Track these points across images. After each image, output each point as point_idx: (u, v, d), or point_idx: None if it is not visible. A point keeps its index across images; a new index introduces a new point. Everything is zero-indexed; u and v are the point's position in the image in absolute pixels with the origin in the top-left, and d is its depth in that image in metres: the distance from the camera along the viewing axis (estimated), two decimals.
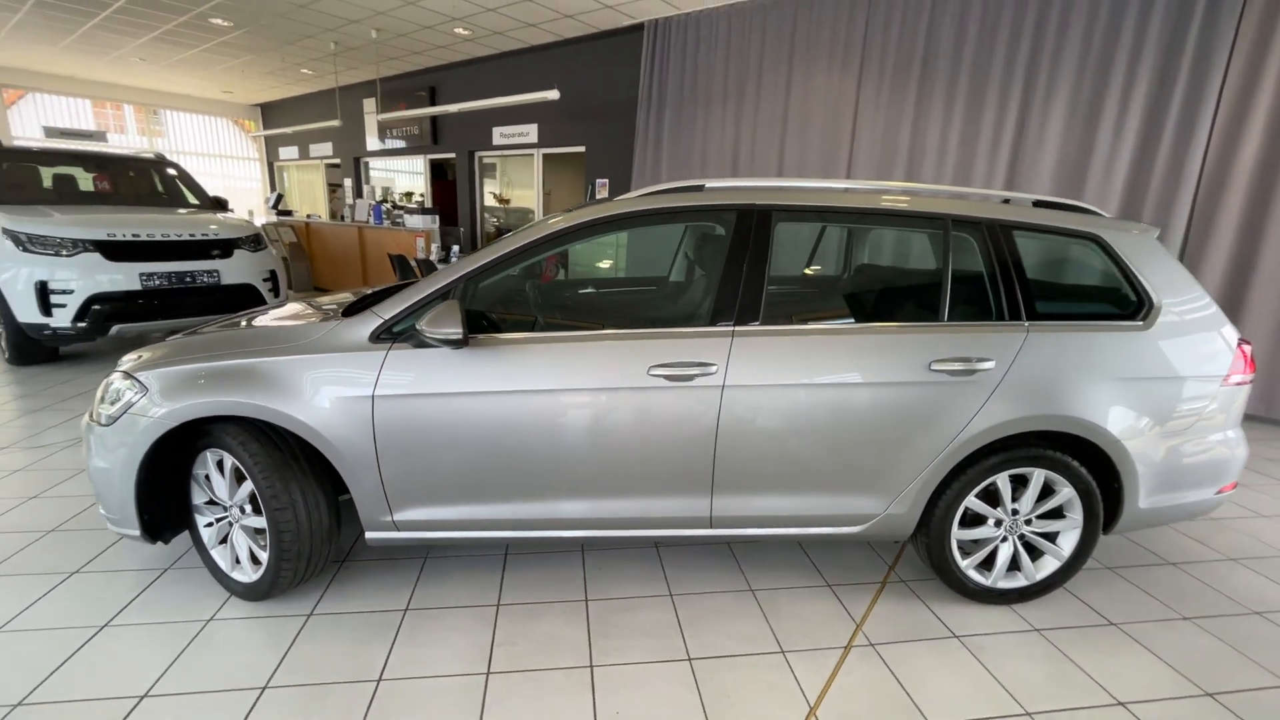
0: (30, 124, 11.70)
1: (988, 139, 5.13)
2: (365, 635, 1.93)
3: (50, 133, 11.37)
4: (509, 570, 2.31)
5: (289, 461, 1.92)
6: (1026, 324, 2.05)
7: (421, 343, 1.90)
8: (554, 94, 5.90)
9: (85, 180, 5.86)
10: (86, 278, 4.49)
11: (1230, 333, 2.12)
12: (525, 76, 8.31)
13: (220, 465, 2.01)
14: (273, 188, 14.51)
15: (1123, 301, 2.14)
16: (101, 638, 1.87)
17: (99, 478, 1.98)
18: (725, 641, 1.97)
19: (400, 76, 10.10)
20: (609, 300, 2.96)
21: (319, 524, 1.97)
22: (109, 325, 4.60)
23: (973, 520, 2.17)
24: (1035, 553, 2.20)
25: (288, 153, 13.46)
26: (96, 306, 4.52)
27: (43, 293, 4.38)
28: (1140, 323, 2.08)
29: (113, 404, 1.97)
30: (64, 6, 7.25)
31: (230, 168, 14.67)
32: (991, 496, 2.12)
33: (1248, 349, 2.16)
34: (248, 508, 2.01)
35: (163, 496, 2.06)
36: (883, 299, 2.37)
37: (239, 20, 7.57)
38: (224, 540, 2.10)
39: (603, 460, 1.97)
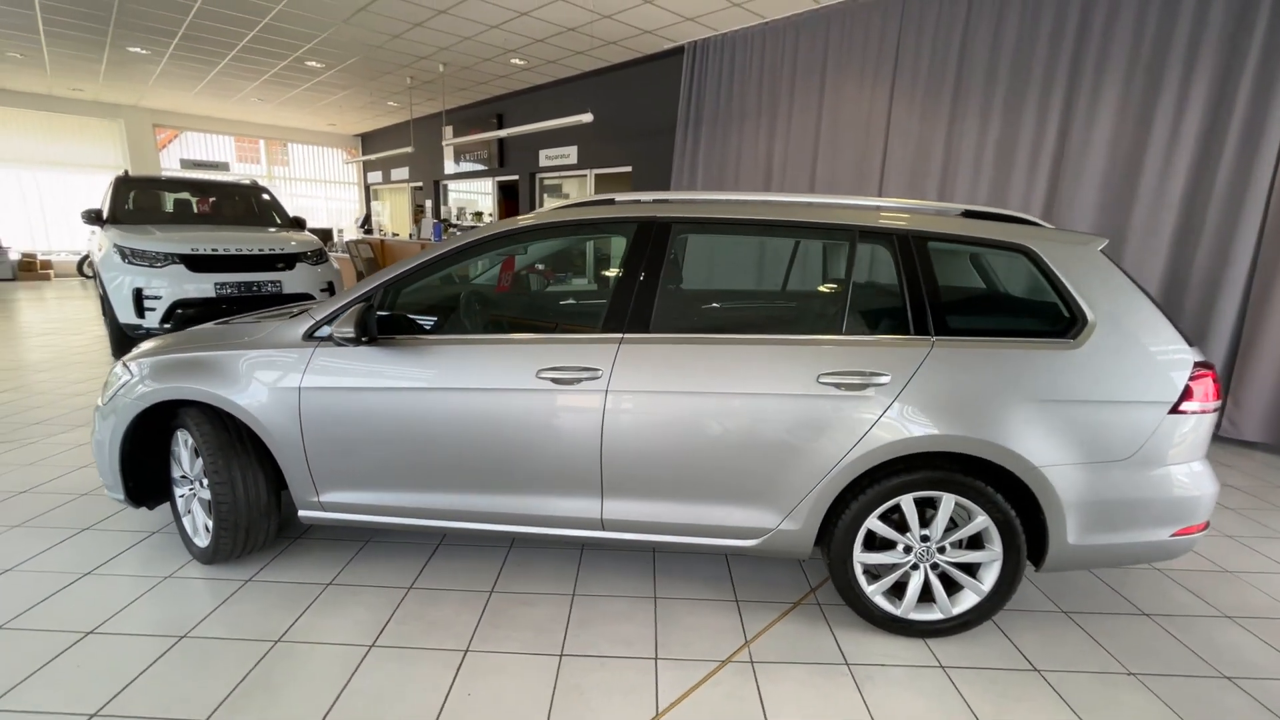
0: (181, 156, 13.73)
1: (1027, 149, 4.79)
2: (285, 602, 2.15)
3: (185, 164, 13.25)
4: (435, 558, 2.47)
5: (234, 443, 2.20)
6: (933, 338, 1.95)
7: (339, 341, 2.12)
8: (588, 117, 6.18)
9: (206, 204, 6.88)
10: (173, 285, 5.25)
11: (1185, 356, 1.91)
12: (578, 101, 8.71)
13: (187, 444, 2.33)
14: (367, 209, 16.00)
15: (1053, 317, 1.99)
16: (82, 582, 2.22)
17: (96, 450, 2.37)
18: (604, 643, 2.00)
19: (474, 104, 10.90)
20: (524, 305, 2.98)
21: (256, 500, 2.23)
22: (189, 326, 5.33)
23: (883, 544, 2.07)
24: (957, 585, 2.06)
25: (374, 177, 14.83)
26: (180, 310, 5.27)
27: (138, 298, 5.17)
28: (1070, 340, 1.92)
29: (109, 387, 2.35)
30: (190, 58, 8.52)
31: (336, 191, 16.36)
32: (906, 520, 2.01)
33: (1211, 375, 1.92)
34: (205, 481, 2.31)
35: (147, 469, 2.42)
36: (784, 311, 2.33)
37: (329, 62, 8.55)
38: (190, 511, 2.41)
39: (496, 457, 2.09)
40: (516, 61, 8.24)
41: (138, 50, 8.22)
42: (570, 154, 8.59)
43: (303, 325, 2.20)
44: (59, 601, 2.11)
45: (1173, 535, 1.95)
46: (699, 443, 1.99)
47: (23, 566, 2.31)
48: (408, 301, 2.28)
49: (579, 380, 2.01)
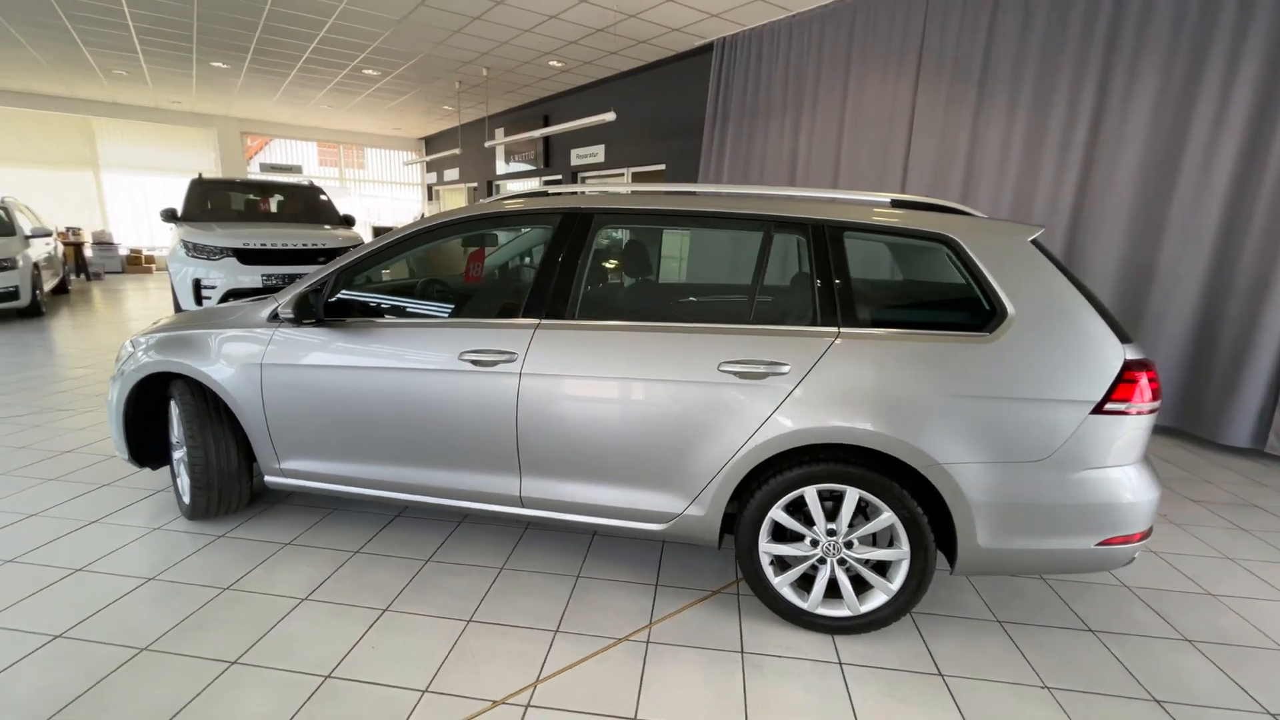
0: (262, 161, 15.01)
1: (1056, 140, 4.49)
2: (245, 556, 2.39)
3: (264, 168, 14.43)
4: (390, 527, 2.66)
5: (209, 412, 2.46)
6: (839, 330, 1.92)
7: (283, 321, 2.33)
8: (610, 116, 6.29)
9: (267, 204, 7.55)
10: (227, 276, 5.80)
11: (1115, 353, 1.79)
12: (615, 100, 8.86)
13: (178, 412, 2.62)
14: (429, 209, 16.84)
15: (972, 310, 1.91)
16: (87, 528, 2.56)
17: (107, 414, 2.70)
18: (512, 614, 2.11)
19: (523, 106, 11.28)
20: (464, 291, 3.03)
21: (226, 465, 2.49)
22: None
23: (792, 536, 2.06)
24: (868, 582, 2.01)
25: (433, 178, 15.60)
26: (232, 298, 5.82)
27: (196, 287, 5.75)
28: (984, 334, 1.84)
29: (118, 360, 2.68)
30: (264, 70, 9.31)
31: (402, 192, 17.33)
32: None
33: (1145, 375, 1.79)
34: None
35: (151, 434, 2.73)
36: (699, 300, 2.34)
37: (384, 70, 9.11)
38: (180, 472, 2.71)
39: (426, 434, 2.23)
40: (554, 64, 8.48)
41: (219, 65, 9.07)
42: (598, 152, 8.75)
43: (269, 308, 2.43)
44: (64, 543, 2.44)
45: (1098, 545, 1.84)
46: (606, 426, 2.05)
47: (46, 512, 2.68)
48: (360, 287, 2.46)
49: (496, 363, 2.12)
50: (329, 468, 2.40)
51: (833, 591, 2.03)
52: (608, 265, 2.25)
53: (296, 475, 2.46)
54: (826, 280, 1.98)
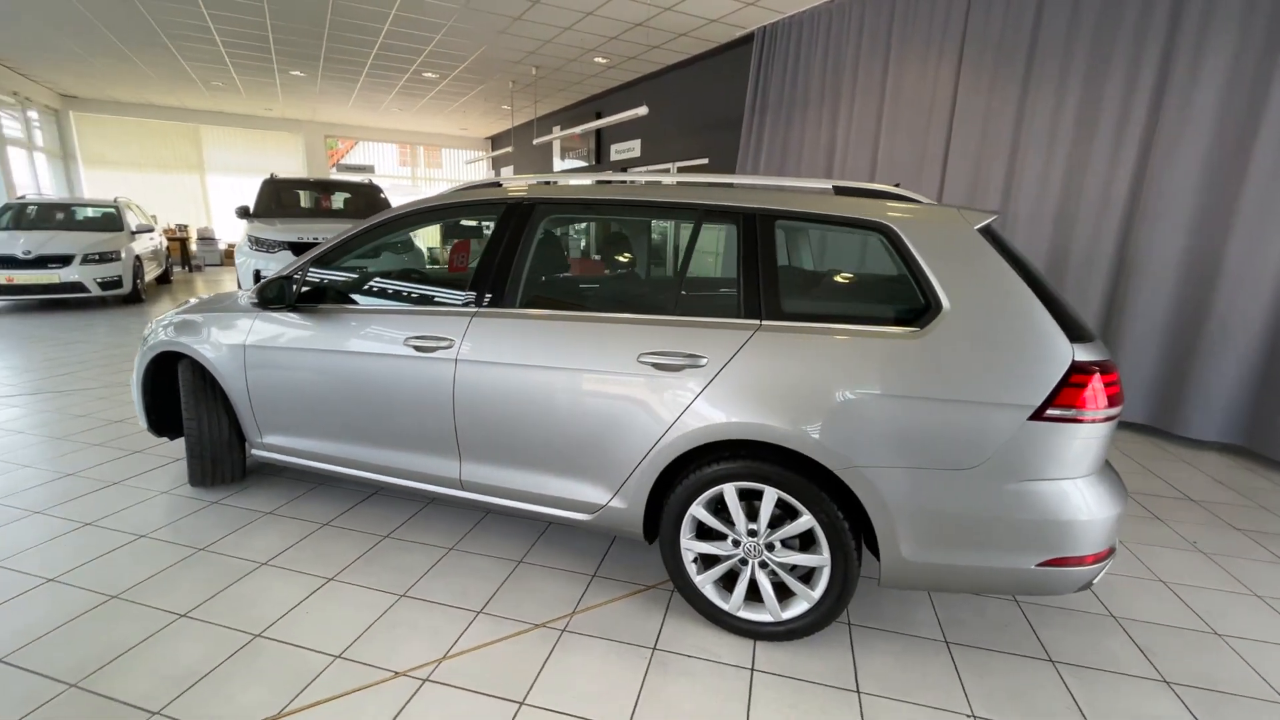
0: (341, 162, 16.12)
1: (1111, 122, 4.06)
2: (227, 522, 2.60)
3: (339, 168, 15.45)
4: (363, 504, 2.80)
5: (205, 389, 2.69)
6: (761, 322, 1.84)
7: (251, 306, 2.50)
8: (643, 110, 6.29)
9: (329, 201, 8.13)
10: (282, 268, 6.30)
11: (1060, 353, 1.61)
12: (661, 95, 8.82)
13: None
14: None
15: (906, 302, 1.77)
16: (108, 488, 2.87)
17: (132, 389, 3.01)
18: (444, 592, 2.17)
19: (578, 103, 11.46)
20: (425, 279, 2.98)
21: (217, 437, 2.71)
22: None
23: (718, 535, 1.99)
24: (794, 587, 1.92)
25: (492, 175, 16.16)
26: None
27: (256, 278, 6.27)
28: (915, 329, 1.71)
29: (142, 340, 2.98)
30: (336, 77, 9.98)
31: None
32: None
33: (1095, 378, 1.60)
34: None
35: (167, 407, 3.02)
36: (629, 290, 2.29)
37: (441, 72, 9.53)
38: None
39: (379, 414, 2.34)
40: (599, 60, 8.55)
41: (298, 73, 9.82)
42: (635, 147, 8.74)
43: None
44: (85, 500, 2.75)
45: (1040, 565, 1.66)
46: (535, 414, 2.07)
47: (81, 473, 3.03)
48: (332, 276, 2.61)
49: (435, 349, 2.18)
50: (300, 444, 2.57)
51: (757, 595, 1.96)
52: (551, 255, 2.26)
53: (274, 449, 2.64)
54: (753, 270, 1.90)
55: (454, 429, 2.21)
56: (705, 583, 1.99)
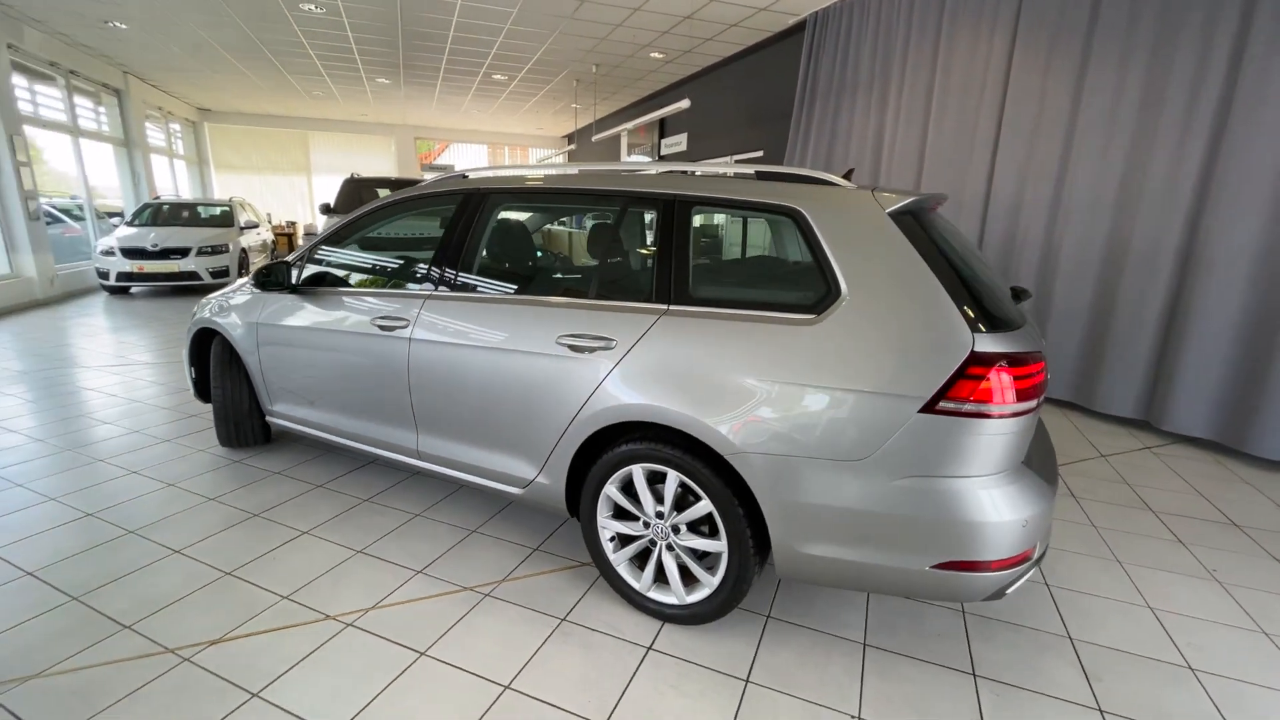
0: (445, 161, 17.25)
1: (1179, 103, 3.61)
2: (240, 477, 2.95)
3: (424, 168, 16.48)
4: (359, 470, 3.07)
5: (230, 361, 3.06)
6: (667, 307, 1.86)
7: (253, 288, 2.80)
8: (685, 103, 6.29)
9: None
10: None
11: (958, 342, 1.51)
12: (719, 88, 8.74)
13: None
14: None
15: (809, 289, 1.73)
16: (160, 445, 3.33)
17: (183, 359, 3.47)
18: (396, 552, 2.36)
19: (644, 99, 11.59)
20: (405, 262, 2.99)
21: (238, 404, 3.08)
22: None
23: (632, 515, 2.03)
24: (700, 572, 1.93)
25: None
26: None
27: None
28: (811, 316, 1.67)
29: (191, 317, 3.43)
30: (417, 82, 10.71)
31: None
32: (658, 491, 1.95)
33: (1011, 371, 1.49)
34: None
35: (209, 377, 3.45)
36: (561, 275, 2.33)
37: (509, 74, 9.98)
38: None
39: (354, 387, 2.57)
40: (655, 55, 8.61)
41: (383, 80, 10.64)
42: (681, 141, 8.70)
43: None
44: (138, 452, 3.22)
45: (934, 568, 1.57)
46: (473, 390, 2.20)
47: (143, 430, 3.54)
48: (329, 261, 2.87)
49: (394, 328, 2.37)
50: (297, 413, 2.86)
51: (647, 573, 1.98)
52: (494, 241, 2.38)
53: (282, 417, 2.96)
54: (665, 255, 1.91)
55: (410, 402, 2.39)
56: (620, 561, 2.04)
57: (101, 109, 10.29)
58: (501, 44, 8.31)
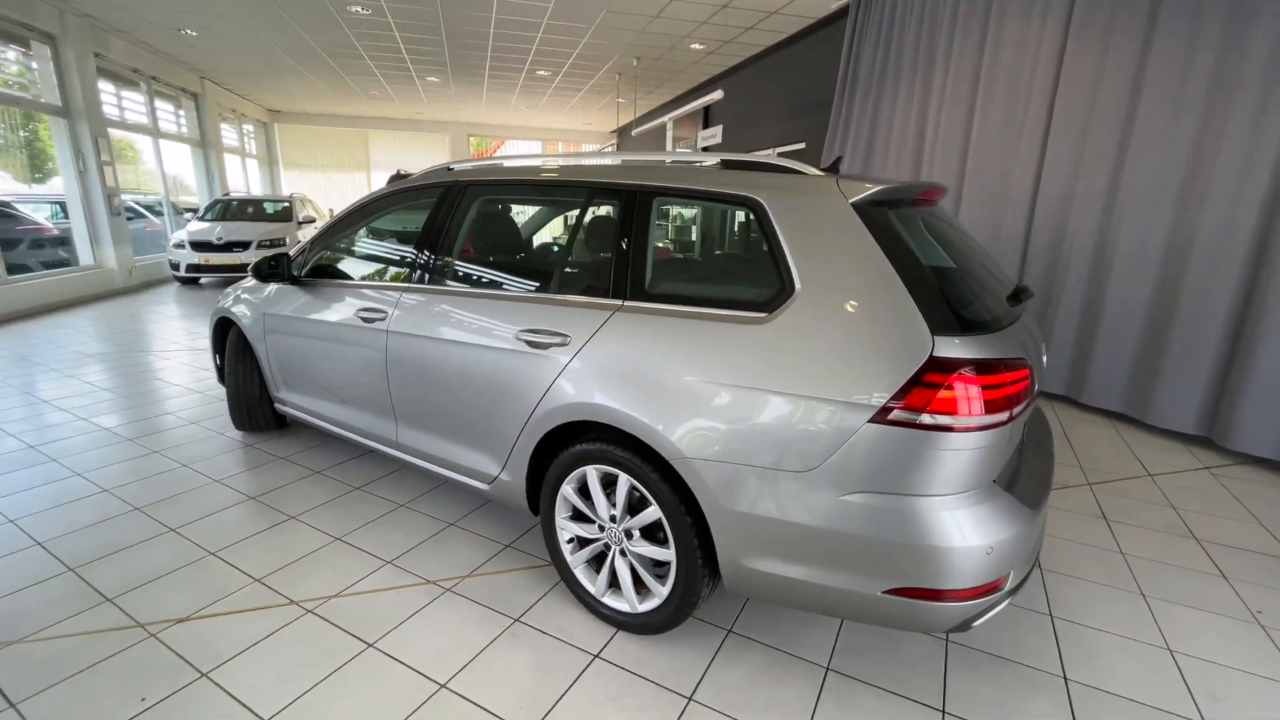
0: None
1: (1254, 85, 3.20)
2: (247, 461, 3.08)
3: None
4: (357, 459, 3.14)
5: (244, 349, 3.20)
6: (622, 302, 1.78)
7: (256, 279, 2.90)
8: (718, 94, 6.13)
9: None
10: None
11: (916, 344, 1.37)
12: (762, 78, 8.49)
13: None
14: None
15: (765, 284, 1.61)
16: (184, 426, 3.52)
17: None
18: (372, 542, 2.39)
19: (690, 91, 11.42)
20: (393, 256, 3.02)
21: (249, 390, 3.21)
22: None
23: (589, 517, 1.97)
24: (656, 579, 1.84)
25: None
26: None
27: None
28: (763, 314, 1.55)
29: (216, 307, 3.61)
30: (464, 80, 10.95)
31: None
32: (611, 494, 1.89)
33: (979, 381, 1.34)
34: None
35: None
36: (528, 268, 2.26)
37: (552, 70, 10.04)
38: None
39: (341, 377, 2.62)
40: (696, 46, 8.44)
41: (433, 79, 10.94)
42: (717, 134, 8.49)
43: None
44: (164, 433, 3.41)
45: (886, 593, 1.43)
46: (443, 383, 2.20)
47: (174, 413, 3.75)
48: (329, 255, 2.93)
49: (375, 320, 2.39)
50: (300, 400, 2.95)
51: (601, 577, 1.91)
52: (468, 234, 2.35)
53: (286, 404, 3.07)
54: (624, 248, 1.83)
55: (389, 393, 2.41)
56: (577, 564, 1.98)
57: (181, 112, 11.06)
58: (542, 39, 8.36)
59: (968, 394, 1.35)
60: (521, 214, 2.39)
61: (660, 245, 1.98)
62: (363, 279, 2.68)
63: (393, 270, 2.56)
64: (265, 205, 10.37)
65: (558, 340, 1.86)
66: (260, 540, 2.38)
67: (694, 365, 1.60)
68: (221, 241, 8.88)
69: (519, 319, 1.97)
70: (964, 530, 1.37)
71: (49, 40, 7.39)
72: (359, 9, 7.24)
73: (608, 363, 1.74)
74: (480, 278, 2.26)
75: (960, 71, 5.03)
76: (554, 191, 2.16)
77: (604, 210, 1.99)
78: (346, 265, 2.84)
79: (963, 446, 1.36)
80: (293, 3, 7.08)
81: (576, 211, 2.03)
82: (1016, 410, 1.43)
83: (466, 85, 11.41)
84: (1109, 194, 3.97)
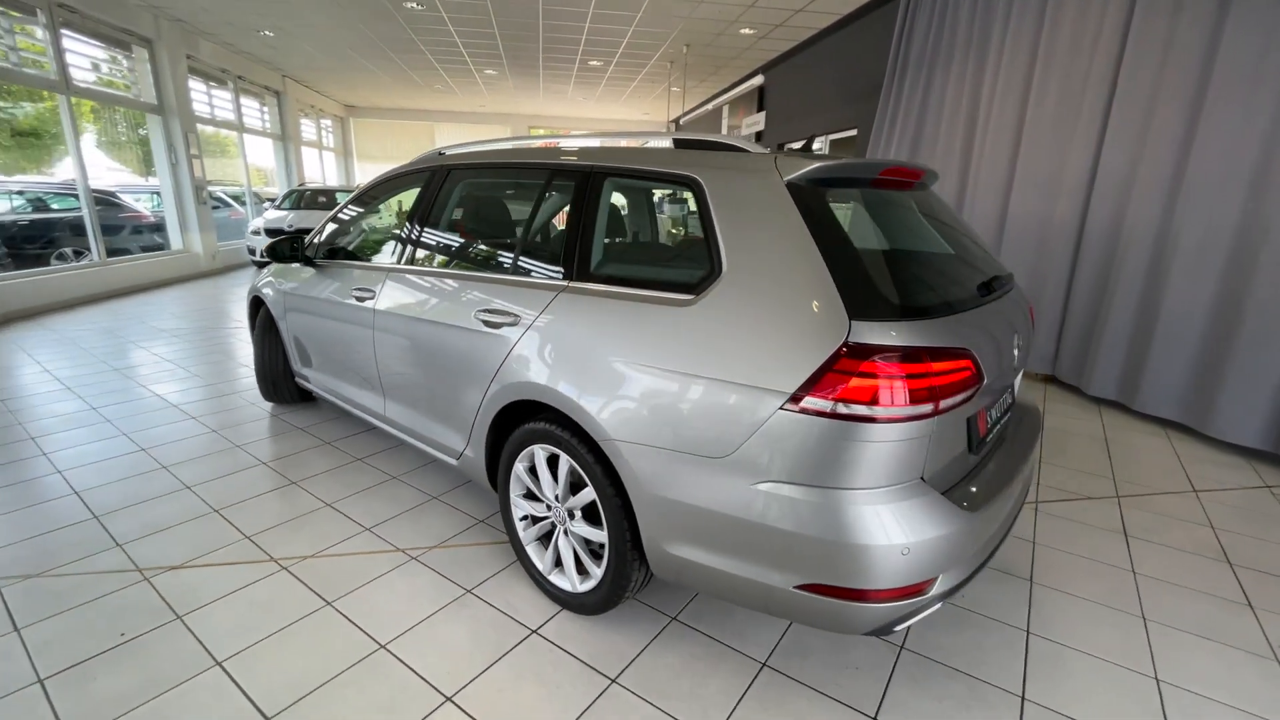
0: None
1: None
2: (268, 430, 3.31)
3: None
4: (368, 432, 3.32)
5: (269, 326, 3.43)
6: (568, 283, 1.78)
7: (278, 259, 3.08)
8: (758, 80, 5.98)
9: None
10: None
11: (830, 329, 1.30)
12: (814, 63, 8.19)
13: None
14: None
15: (697, 265, 1.57)
16: (224, 396, 3.83)
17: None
18: (356, 509, 2.52)
19: (741, 80, 11.17)
20: (391, 238, 3.12)
21: (274, 365, 3.44)
22: None
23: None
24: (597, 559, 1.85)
25: None
26: None
27: None
28: (689, 296, 1.52)
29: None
30: (520, 72, 11.17)
31: None
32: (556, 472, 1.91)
33: (900, 368, 1.27)
34: None
35: None
36: (495, 249, 2.27)
37: (604, 60, 10.08)
38: None
39: (341, 352, 2.77)
40: (745, 31, 8.24)
41: (491, 72, 11.24)
42: (760, 120, 8.23)
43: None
44: (205, 402, 3.73)
45: (798, 588, 1.38)
46: (417, 360, 2.28)
47: (214, 385, 4.08)
48: (337, 237, 3.08)
49: (364, 299, 2.51)
50: (312, 375, 3.14)
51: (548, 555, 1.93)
52: (446, 216, 2.41)
53: (306, 379, 3.27)
54: (574, 229, 1.83)
55: (376, 367, 2.53)
56: (529, 541, 2.02)
57: (265, 108, 11.92)
58: (590, 28, 8.41)
59: (889, 383, 1.27)
60: (504, 197, 2.43)
61: (615, 226, 1.96)
62: (360, 260, 2.81)
63: (384, 251, 2.67)
64: (336, 195, 11.03)
65: (509, 320, 1.89)
66: (260, 501, 2.56)
67: (622, 347, 1.59)
68: (292, 229, 9.52)
69: (480, 299, 2.01)
70: (878, 528, 1.30)
71: (146, 44, 8.14)
72: (414, 4, 7.53)
73: (549, 343, 1.76)
74: (453, 259, 2.32)
75: (1017, 46, 4.66)
76: (522, 174, 2.19)
77: (561, 192, 1.99)
78: (352, 246, 2.99)
79: (882, 439, 1.28)
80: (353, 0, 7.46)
81: (538, 194, 2.05)
82: (947, 403, 1.33)
83: (523, 77, 11.64)
84: (1173, 180, 3.58)
